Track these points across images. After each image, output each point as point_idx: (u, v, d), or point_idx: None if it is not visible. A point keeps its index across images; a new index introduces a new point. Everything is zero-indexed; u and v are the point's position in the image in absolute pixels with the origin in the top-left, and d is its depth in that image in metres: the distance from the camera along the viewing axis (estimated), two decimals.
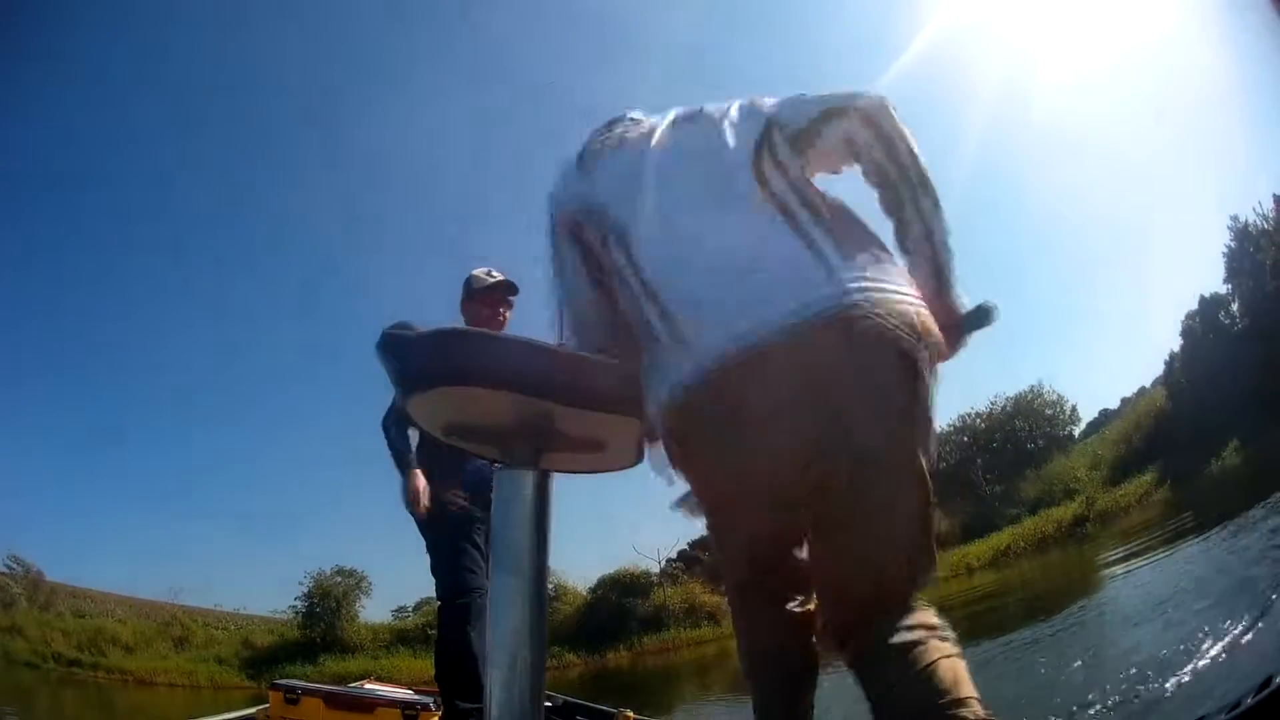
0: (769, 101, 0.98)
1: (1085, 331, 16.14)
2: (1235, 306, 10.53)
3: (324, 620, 11.57)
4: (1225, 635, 3.03)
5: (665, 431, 0.88)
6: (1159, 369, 10.83)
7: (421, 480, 2.07)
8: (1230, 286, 10.56)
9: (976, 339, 0.96)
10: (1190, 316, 10.76)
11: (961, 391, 14.29)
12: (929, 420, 0.86)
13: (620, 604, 11.19)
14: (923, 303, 0.86)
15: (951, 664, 0.80)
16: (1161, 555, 6.55)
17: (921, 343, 0.82)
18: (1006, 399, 12.16)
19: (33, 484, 14.96)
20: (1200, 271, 10.94)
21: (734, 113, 0.98)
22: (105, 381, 16.83)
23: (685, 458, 0.90)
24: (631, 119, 1.08)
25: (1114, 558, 7.60)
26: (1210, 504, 7.01)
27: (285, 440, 17.20)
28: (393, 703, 2.58)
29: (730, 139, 0.95)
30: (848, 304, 0.80)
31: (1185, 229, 12.96)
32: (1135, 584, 6.13)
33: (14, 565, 11.06)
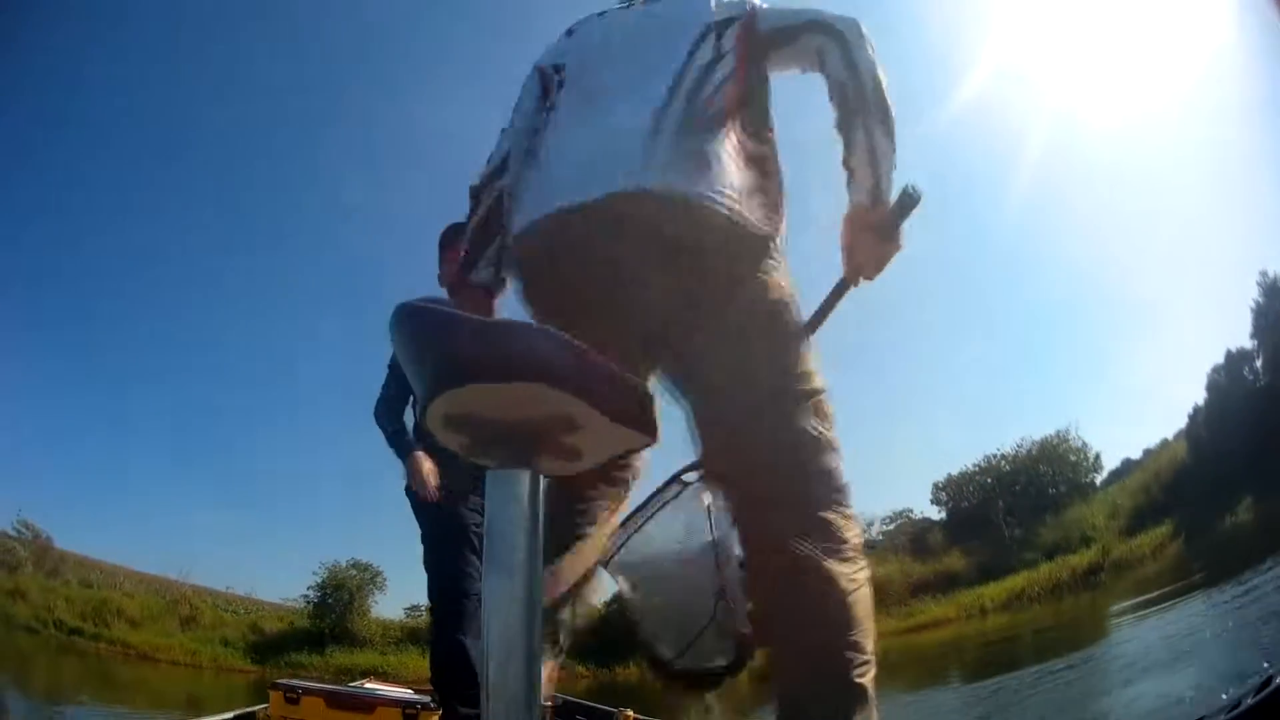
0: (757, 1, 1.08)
1: (1115, 380, 16.14)
2: (1260, 362, 10.52)
3: (335, 612, 11.55)
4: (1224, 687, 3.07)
5: (514, 261, 1.05)
6: (1183, 421, 10.81)
7: (428, 462, 1.98)
8: (1256, 342, 10.56)
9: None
10: (1216, 370, 10.74)
11: (990, 432, 14.34)
12: (723, 296, 0.94)
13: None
14: (734, 204, 0.92)
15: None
16: (1168, 607, 6.43)
17: (703, 231, 0.91)
18: (1033, 442, 12.08)
19: (56, 458, 14.98)
20: (1230, 326, 10.95)
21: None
22: (140, 365, 16.83)
23: (528, 287, 1.04)
24: None
25: (1123, 607, 7.59)
26: (1218, 560, 7.01)
27: (310, 432, 17.15)
28: (393, 702, 2.60)
29: (690, 16, 1.04)
30: (641, 188, 0.91)
31: (1219, 282, 12.97)
32: (1139, 634, 6.14)
33: (23, 530, 10.90)
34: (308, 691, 2.48)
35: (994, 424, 15.37)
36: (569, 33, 1.16)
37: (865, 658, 0.83)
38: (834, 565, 0.85)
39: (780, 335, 0.95)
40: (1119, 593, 8.69)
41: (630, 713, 2.68)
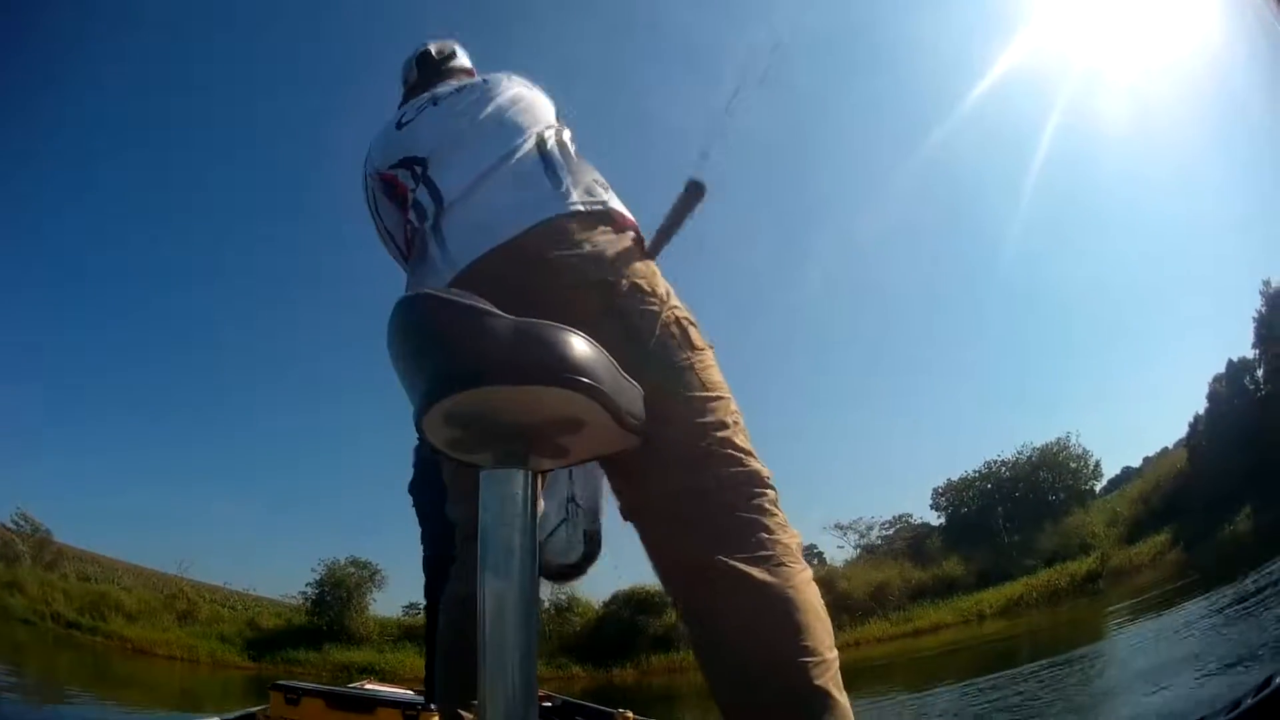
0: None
1: (1117, 388, 16.13)
2: (1261, 373, 10.54)
3: (333, 609, 11.54)
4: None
5: None
6: (1184, 430, 10.82)
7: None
8: (1258, 352, 10.58)
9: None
10: (1218, 380, 10.77)
11: (990, 438, 14.30)
12: (638, 315, 0.93)
13: (632, 621, 11.01)
14: (627, 228, 1.01)
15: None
16: (1164, 615, 6.47)
17: (608, 262, 0.94)
18: (1033, 449, 11.99)
19: (55, 453, 14.93)
20: (1232, 335, 10.99)
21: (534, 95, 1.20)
22: (149, 355, 16.76)
23: None
24: (455, 67, 1.37)
25: (1120, 613, 7.63)
26: (1216, 568, 7.07)
27: (313, 429, 17.08)
28: (394, 703, 2.59)
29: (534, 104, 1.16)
30: (560, 213, 0.96)
31: (1222, 291, 13.01)
32: (1136, 641, 6.20)
33: (21, 522, 10.84)
34: (308, 692, 2.47)
35: (995, 430, 15.37)
36: (401, 131, 1.21)
37: (820, 659, 0.78)
38: (763, 574, 0.80)
39: (671, 348, 0.92)
40: (1116, 599, 8.73)
41: (630, 713, 2.67)
